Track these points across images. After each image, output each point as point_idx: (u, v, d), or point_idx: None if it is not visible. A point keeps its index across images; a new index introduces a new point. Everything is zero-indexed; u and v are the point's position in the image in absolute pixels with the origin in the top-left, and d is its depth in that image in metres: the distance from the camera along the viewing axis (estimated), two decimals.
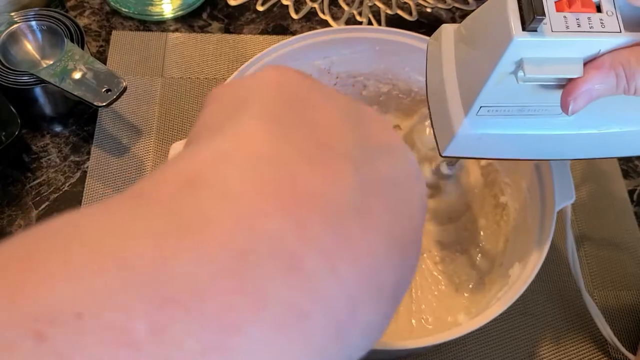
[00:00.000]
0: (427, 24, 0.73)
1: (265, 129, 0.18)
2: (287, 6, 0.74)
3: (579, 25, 0.34)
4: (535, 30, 0.33)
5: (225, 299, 0.14)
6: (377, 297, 0.17)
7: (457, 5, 0.75)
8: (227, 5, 0.74)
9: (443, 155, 0.42)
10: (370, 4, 0.75)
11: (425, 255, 0.56)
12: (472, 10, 0.77)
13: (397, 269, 0.19)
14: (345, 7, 0.74)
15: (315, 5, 0.74)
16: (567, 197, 0.48)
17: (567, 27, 0.34)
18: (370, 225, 0.18)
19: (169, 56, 0.69)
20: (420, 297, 0.54)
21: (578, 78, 0.34)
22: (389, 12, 0.74)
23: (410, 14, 0.74)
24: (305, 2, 0.75)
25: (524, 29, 0.33)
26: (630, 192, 0.65)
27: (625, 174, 0.66)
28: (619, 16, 0.35)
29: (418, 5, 0.75)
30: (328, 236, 0.16)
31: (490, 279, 0.53)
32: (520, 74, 0.35)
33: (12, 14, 0.62)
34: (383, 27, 0.58)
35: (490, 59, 0.36)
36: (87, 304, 0.13)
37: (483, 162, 0.59)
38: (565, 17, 0.34)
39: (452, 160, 0.53)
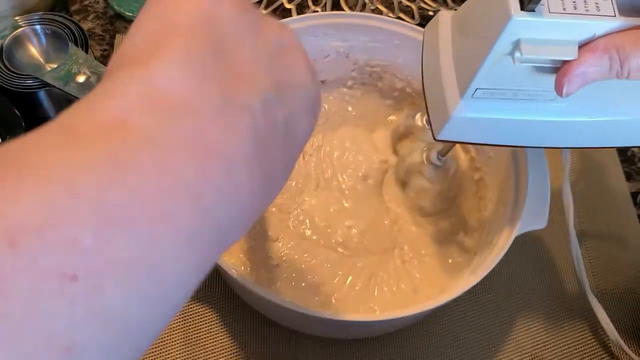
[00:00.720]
0: None
1: (184, 78, 0.21)
2: (289, 10, 0.74)
3: (575, 8, 0.35)
4: (533, 11, 0.34)
5: (149, 222, 0.18)
6: (249, 220, 0.24)
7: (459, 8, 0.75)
8: None
9: (437, 139, 0.42)
10: (372, 8, 0.75)
11: (396, 252, 0.56)
12: None
13: (265, 197, 0.25)
14: (348, 11, 0.74)
15: (318, 9, 0.74)
16: (536, 222, 0.48)
17: (564, 9, 0.35)
18: (254, 170, 0.23)
19: None
20: (375, 285, 0.54)
21: (573, 60, 0.35)
22: (391, 15, 0.74)
23: (413, 17, 0.74)
24: (308, 6, 0.75)
25: (522, 8, 0.34)
26: (634, 195, 0.65)
27: (629, 177, 0.66)
28: (614, 1, 0.36)
29: (421, 8, 0.75)
30: (221, 179, 0.21)
31: (448, 287, 0.53)
32: (517, 54, 0.35)
33: (17, 18, 0.62)
34: (402, 22, 0.58)
35: (488, 40, 0.36)
36: (46, 219, 0.17)
37: (476, 176, 0.59)
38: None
39: (443, 151, 0.53)
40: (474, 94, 0.39)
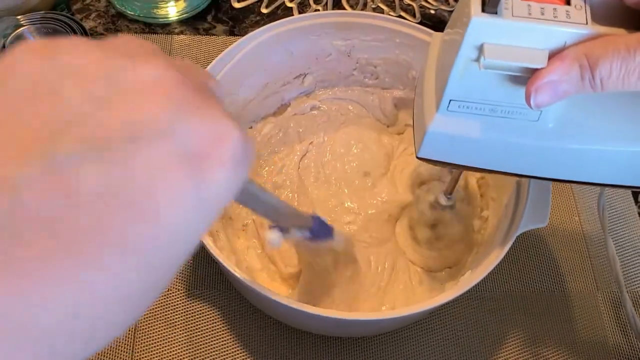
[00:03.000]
0: (430, 26, 0.74)
1: None
2: (291, 8, 0.75)
3: (542, 14, 0.34)
4: (496, 13, 0.33)
5: None
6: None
7: None
8: (232, 8, 0.74)
9: (418, 156, 0.41)
10: (373, 6, 0.76)
11: (404, 249, 0.57)
12: None
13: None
14: (349, 10, 0.75)
15: (320, 8, 0.75)
16: (538, 220, 0.47)
17: (530, 13, 0.34)
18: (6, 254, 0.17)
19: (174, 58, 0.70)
20: (382, 280, 0.55)
21: (542, 69, 0.33)
22: (392, 14, 0.74)
23: (414, 15, 0.75)
24: (309, 4, 0.75)
25: (483, 10, 0.34)
26: (635, 194, 0.65)
27: None
28: (587, 9, 0.34)
29: (421, 7, 0.75)
30: None
31: (449, 287, 0.54)
32: (482, 59, 0.34)
33: (19, 17, 0.62)
34: (404, 20, 0.58)
35: (455, 47, 0.35)
36: None
37: (478, 175, 0.59)
38: (529, 5, 0.34)
39: (448, 189, 0.53)
40: (448, 106, 0.38)
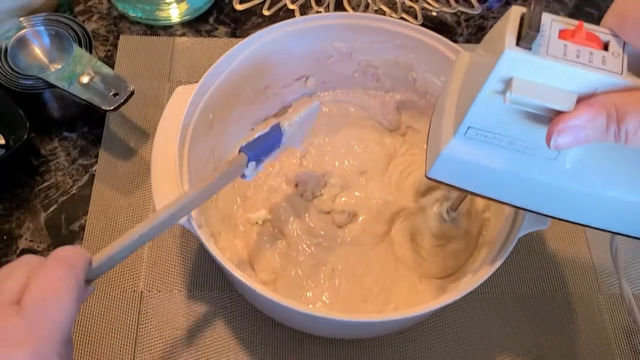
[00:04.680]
0: (432, 28, 0.74)
1: None
2: (293, 10, 0.75)
3: (577, 57, 0.33)
4: (530, 49, 0.33)
5: None
6: None
7: (462, 9, 0.76)
8: (234, 10, 0.75)
9: (427, 175, 0.41)
10: (375, 8, 0.76)
11: (401, 257, 0.57)
12: (477, 14, 0.77)
13: None
14: (351, 11, 0.75)
15: (322, 9, 0.75)
16: (539, 222, 0.47)
17: (565, 54, 0.33)
18: None
19: (176, 60, 0.70)
20: (392, 286, 0.55)
21: (568, 112, 0.33)
22: (394, 15, 0.74)
23: (416, 17, 0.75)
24: (311, 6, 0.75)
25: (517, 44, 0.33)
26: None
27: None
28: (625, 59, 0.33)
29: (423, 9, 0.76)
30: None
31: (450, 288, 0.54)
32: (508, 93, 0.33)
33: (21, 19, 0.62)
34: (405, 22, 0.58)
35: (483, 75, 0.35)
36: None
37: None
38: (565, 45, 0.33)
39: (454, 205, 0.53)
40: (466, 132, 0.37)
